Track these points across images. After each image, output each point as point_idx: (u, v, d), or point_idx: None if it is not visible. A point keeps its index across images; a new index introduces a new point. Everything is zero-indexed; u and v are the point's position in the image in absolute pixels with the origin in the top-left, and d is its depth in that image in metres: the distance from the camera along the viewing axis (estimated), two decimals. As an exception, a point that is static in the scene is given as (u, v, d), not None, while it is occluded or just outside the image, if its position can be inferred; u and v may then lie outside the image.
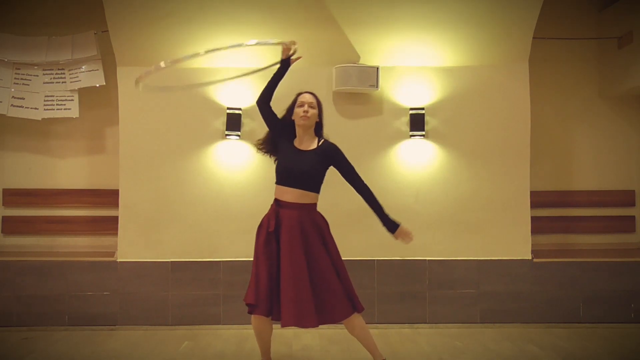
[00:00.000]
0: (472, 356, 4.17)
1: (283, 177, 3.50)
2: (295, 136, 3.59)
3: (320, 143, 3.56)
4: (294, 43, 3.62)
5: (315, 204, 3.56)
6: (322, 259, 3.43)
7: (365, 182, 3.55)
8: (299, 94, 3.60)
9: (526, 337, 4.62)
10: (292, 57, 3.65)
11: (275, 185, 3.57)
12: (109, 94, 5.29)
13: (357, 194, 3.54)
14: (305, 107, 3.50)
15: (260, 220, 3.59)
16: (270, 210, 3.55)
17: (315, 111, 3.53)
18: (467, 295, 5.05)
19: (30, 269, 4.95)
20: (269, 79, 3.64)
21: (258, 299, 3.40)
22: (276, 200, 3.53)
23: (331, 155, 3.53)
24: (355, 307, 3.50)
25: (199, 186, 5.03)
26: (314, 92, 3.62)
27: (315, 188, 3.53)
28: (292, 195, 3.47)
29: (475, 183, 5.09)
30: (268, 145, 3.70)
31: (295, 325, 3.36)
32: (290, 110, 3.59)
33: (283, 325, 3.37)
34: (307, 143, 3.55)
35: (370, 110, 5.11)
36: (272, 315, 3.45)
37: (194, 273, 4.98)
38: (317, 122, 3.59)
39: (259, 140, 3.74)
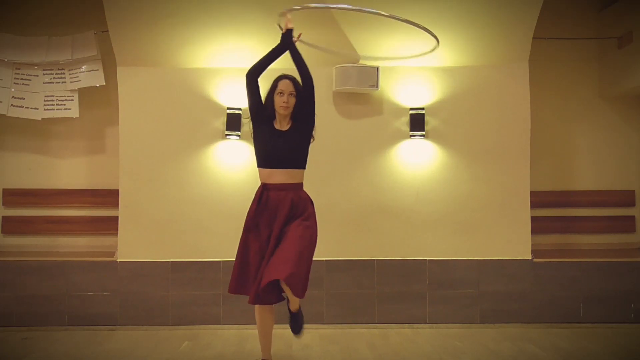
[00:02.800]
0: (472, 356, 4.17)
1: (268, 160, 3.50)
2: (274, 118, 3.57)
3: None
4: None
5: (302, 184, 3.56)
6: (294, 229, 3.39)
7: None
8: (279, 80, 3.56)
9: (526, 337, 4.62)
10: (295, 37, 3.59)
11: (258, 169, 3.57)
12: (109, 94, 5.29)
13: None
14: (285, 98, 3.50)
15: None
16: (255, 195, 3.54)
17: (294, 100, 3.53)
18: (467, 295, 5.05)
19: (30, 269, 4.95)
20: (267, 53, 3.57)
21: (243, 286, 3.43)
22: (263, 185, 3.53)
23: (298, 110, 3.52)
24: (294, 289, 3.30)
25: (199, 186, 5.03)
26: (292, 76, 3.57)
27: (302, 164, 3.54)
28: (280, 176, 3.47)
29: (475, 183, 5.09)
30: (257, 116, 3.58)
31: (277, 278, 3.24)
32: (270, 96, 3.56)
33: (266, 280, 3.25)
34: (286, 124, 3.57)
35: (370, 110, 5.11)
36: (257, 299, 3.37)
37: (194, 273, 4.98)
38: (306, 108, 3.55)
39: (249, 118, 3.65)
